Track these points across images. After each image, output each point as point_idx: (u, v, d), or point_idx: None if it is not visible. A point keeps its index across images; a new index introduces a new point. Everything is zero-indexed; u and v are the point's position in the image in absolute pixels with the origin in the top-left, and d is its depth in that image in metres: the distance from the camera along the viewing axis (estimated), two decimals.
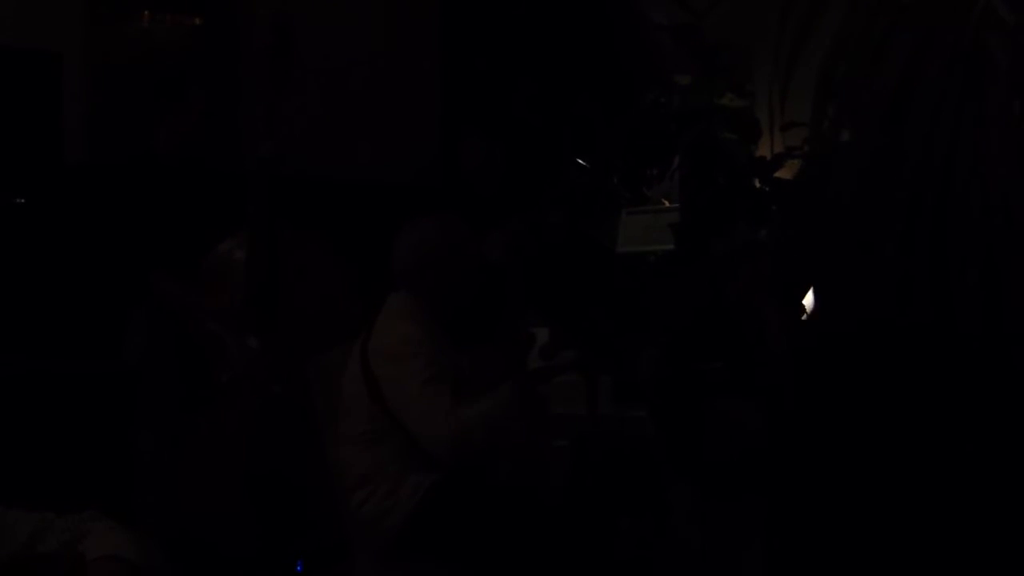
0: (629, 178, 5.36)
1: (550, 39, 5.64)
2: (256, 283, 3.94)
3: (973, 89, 1.78)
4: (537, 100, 5.48)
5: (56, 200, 4.56)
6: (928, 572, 1.97)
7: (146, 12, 5.16)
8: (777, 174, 4.92)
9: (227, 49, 5.29)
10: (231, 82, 5.17)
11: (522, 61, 5.62)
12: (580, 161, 5.28)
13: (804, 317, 3.34)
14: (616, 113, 5.38)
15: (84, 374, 4.32)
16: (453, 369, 3.28)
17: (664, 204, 5.16)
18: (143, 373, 4.01)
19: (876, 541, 2.05)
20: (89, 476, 4.07)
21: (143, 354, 4.02)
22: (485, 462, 3.26)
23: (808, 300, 3.16)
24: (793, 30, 1.98)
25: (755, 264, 3.84)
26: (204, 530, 3.90)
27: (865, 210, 1.86)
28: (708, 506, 3.68)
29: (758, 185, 4.87)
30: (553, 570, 3.19)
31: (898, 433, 1.95)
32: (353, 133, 5.55)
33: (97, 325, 4.41)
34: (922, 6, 1.87)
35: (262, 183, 3.96)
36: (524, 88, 5.52)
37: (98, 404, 4.26)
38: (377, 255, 3.49)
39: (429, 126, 5.82)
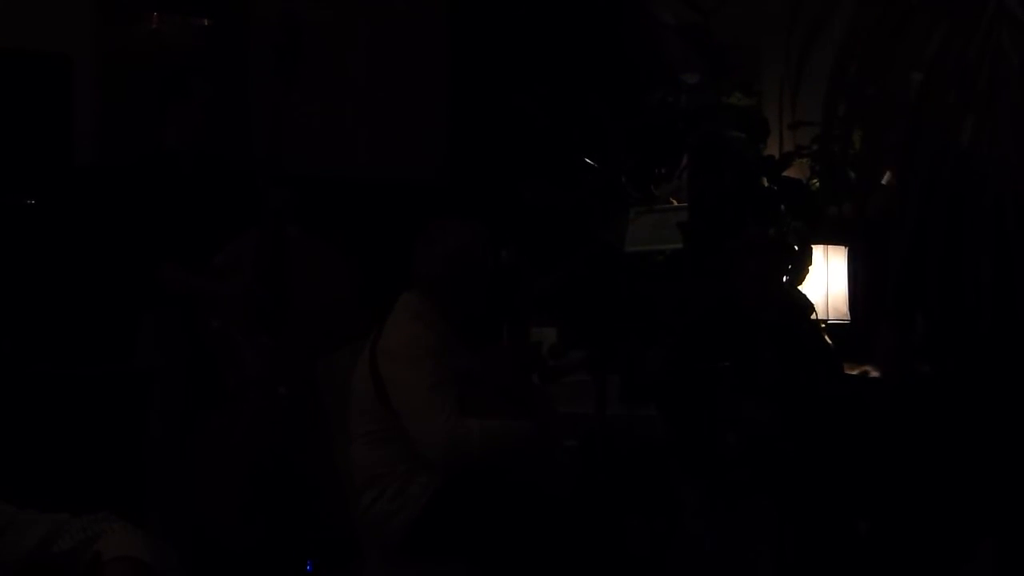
0: (637, 177, 5.35)
1: (558, 38, 5.63)
2: (265, 282, 3.95)
3: (987, 86, 1.78)
4: (546, 99, 5.48)
5: (66, 201, 4.56)
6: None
7: (155, 13, 5.16)
8: (785, 173, 4.93)
9: (236, 49, 5.30)
10: (240, 82, 5.18)
11: (531, 60, 5.62)
12: (588, 160, 5.28)
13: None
14: (624, 112, 5.37)
15: (95, 376, 4.32)
16: (462, 372, 3.28)
17: (672, 203, 5.16)
18: (154, 375, 4.01)
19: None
20: (101, 478, 4.08)
21: (154, 356, 4.02)
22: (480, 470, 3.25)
23: None
24: (803, 28, 1.97)
25: (762, 260, 3.84)
26: (215, 531, 3.91)
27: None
28: (718, 504, 3.68)
29: (766, 184, 4.88)
30: (563, 569, 3.19)
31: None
32: (361, 133, 5.55)
33: (108, 327, 4.42)
34: (935, 4, 1.87)
35: (270, 182, 3.96)
36: (533, 87, 5.51)
37: (110, 406, 4.26)
38: (385, 254, 3.48)
39: (438, 126, 5.82)
